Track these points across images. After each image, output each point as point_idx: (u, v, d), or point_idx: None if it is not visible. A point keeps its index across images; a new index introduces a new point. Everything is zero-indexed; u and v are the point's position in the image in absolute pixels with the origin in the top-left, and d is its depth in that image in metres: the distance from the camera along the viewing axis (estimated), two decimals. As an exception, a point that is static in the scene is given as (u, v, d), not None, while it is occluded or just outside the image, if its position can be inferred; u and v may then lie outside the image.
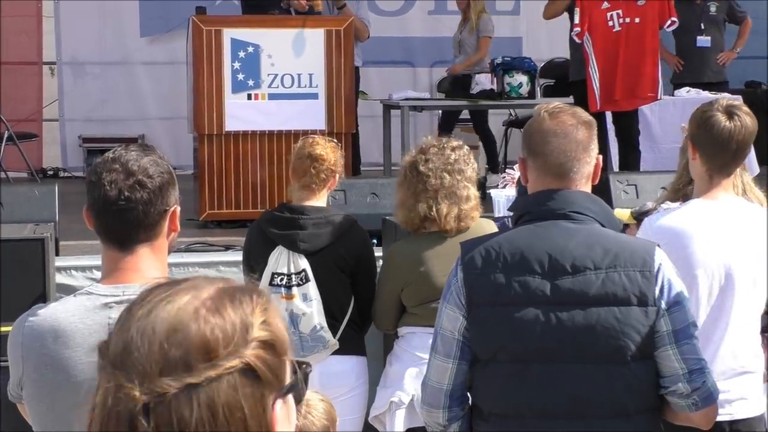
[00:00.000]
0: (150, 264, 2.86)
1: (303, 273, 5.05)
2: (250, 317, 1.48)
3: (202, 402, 1.43)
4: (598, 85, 8.85)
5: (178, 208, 2.92)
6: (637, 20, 8.89)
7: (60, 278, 6.17)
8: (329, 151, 5.17)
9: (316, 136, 5.38)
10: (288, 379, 1.51)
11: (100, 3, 12.51)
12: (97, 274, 6.32)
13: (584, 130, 3.15)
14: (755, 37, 11.95)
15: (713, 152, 4.10)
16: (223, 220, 8.56)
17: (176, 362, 1.44)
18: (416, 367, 4.86)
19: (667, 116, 9.87)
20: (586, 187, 3.17)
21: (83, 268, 6.36)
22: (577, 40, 8.91)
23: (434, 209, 4.81)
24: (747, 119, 4.14)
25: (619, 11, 8.83)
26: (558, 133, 3.13)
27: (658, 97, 9.16)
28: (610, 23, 8.87)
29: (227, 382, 1.44)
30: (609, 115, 10.13)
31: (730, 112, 4.13)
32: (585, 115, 3.21)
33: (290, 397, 1.51)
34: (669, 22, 9.01)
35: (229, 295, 1.51)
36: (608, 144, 10.11)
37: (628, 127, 9.28)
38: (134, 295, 2.69)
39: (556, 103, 3.29)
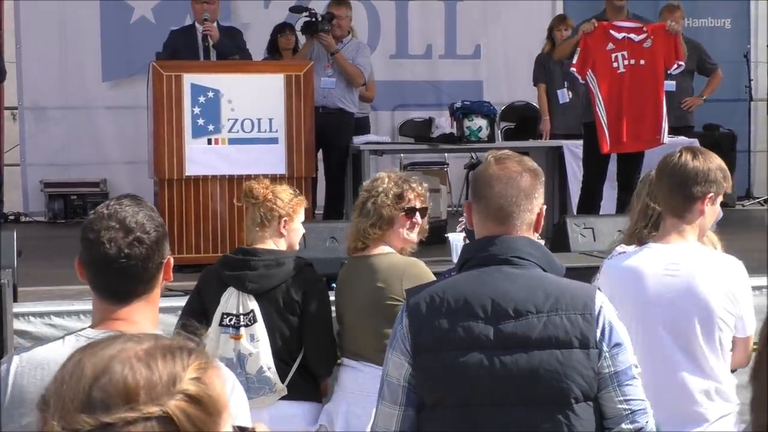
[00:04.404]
0: (143, 316, 2.89)
1: (251, 314, 5.08)
2: (180, 372, 1.51)
3: None
4: (606, 125, 8.80)
5: (171, 259, 2.97)
6: (642, 62, 8.85)
7: (18, 324, 6.16)
8: (265, 190, 5.21)
9: (261, 177, 5.51)
10: None
11: (61, 48, 12.56)
12: (56, 320, 6.33)
13: (528, 178, 3.20)
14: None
15: (669, 190, 4.10)
16: (184, 264, 8.55)
17: (97, 403, 1.47)
18: (335, 402, 5.15)
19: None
20: (528, 234, 3.20)
21: (41, 314, 6.35)
22: (581, 80, 8.92)
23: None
24: (710, 157, 4.17)
25: (624, 53, 8.80)
26: (501, 178, 3.18)
27: (663, 141, 8.94)
28: (615, 65, 8.83)
29: (143, 427, 1.46)
30: (567, 153, 10.20)
31: (694, 153, 4.16)
32: (531, 164, 3.26)
33: None
34: (675, 65, 8.94)
35: (165, 349, 1.54)
36: (568, 185, 10.18)
37: (631, 171, 8.95)
38: None
39: (506, 150, 3.35)
